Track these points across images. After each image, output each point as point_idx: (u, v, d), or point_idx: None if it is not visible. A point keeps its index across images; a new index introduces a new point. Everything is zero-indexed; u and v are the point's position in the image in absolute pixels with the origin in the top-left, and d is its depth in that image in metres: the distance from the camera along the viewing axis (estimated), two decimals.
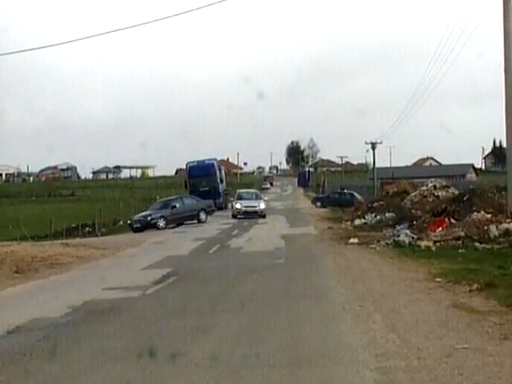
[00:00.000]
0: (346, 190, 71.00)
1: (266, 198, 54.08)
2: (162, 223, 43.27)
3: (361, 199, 66.20)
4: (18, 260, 24.21)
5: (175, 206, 45.03)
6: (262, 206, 49.86)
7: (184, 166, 72.28)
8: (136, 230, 41.61)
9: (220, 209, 64.61)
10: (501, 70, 25.42)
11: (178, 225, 44.06)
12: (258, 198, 52.56)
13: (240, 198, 51.84)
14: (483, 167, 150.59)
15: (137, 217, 44.98)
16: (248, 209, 49.12)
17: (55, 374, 8.79)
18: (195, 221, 45.56)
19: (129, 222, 46.00)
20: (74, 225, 49.79)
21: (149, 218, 43.57)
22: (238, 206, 49.89)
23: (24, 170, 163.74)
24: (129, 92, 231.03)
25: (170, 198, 50.18)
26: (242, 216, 47.89)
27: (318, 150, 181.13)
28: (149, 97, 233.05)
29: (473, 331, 9.94)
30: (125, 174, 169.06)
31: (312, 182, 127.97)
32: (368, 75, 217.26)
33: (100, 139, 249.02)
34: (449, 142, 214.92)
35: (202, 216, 46.36)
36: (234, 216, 49.01)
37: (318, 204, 68.38)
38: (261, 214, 48.49)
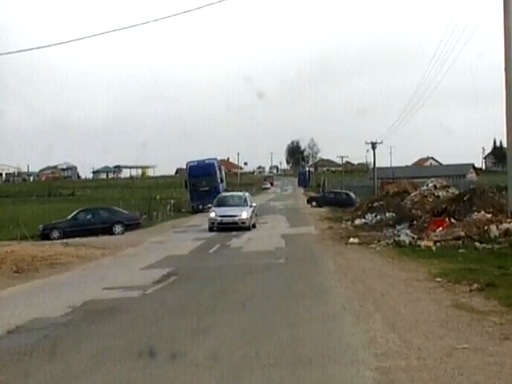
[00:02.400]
0: (341, 190, 71.41)
1: (254, 204, 40.32)
2: (55, 234, 39.92)
3: (356, 198, 66.68)
4: (18, 260, 24.21)
5: (76, 218, 42.10)
6: (245, 215, 37.38)
7: (184, 166, 72.33)
8: (43, 238, 39.14)
9: None
10: (501, 69, 25.42)
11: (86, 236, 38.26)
12: (243, 204, 39.05)
13: (220, 203, 39.55)
14: (483, 167, 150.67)
15: (45, 225, 42.13)
16: (225, 219, 37.13)
17: (55, 373, 8.78)
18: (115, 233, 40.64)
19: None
20: None
21: (41, 228, 41.03)
22: (212, 214, 37.98)
23: (24, 169, 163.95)
24: (129, 92, 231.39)
25: (83, 208, 45.12)
26: (221, 228, 36.70)
27: (318, 149, 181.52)
28: (149, 97, 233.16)
29: (473, 331, 9.94)
30: (125, 173, 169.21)
31: (312, 182, 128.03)
32: (368, 75, 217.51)
33: (100, 139, 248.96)
34: (449, 141, 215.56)
35: (117, 229, 40.72)
36: (211, 229, 37.27)
37: (314, 204, 68.41)
38: (242, 226, 36.76)
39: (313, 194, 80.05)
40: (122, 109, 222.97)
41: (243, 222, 37.04)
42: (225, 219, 37.07)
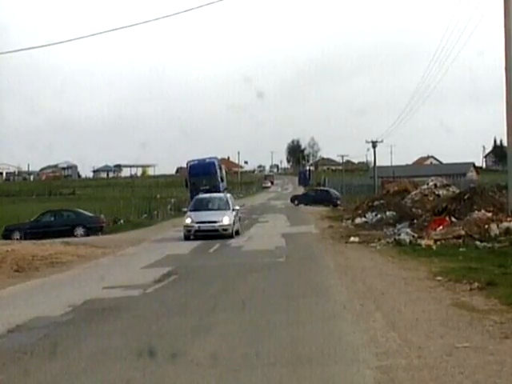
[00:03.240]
0: (322, 188, 72.54)
1: (237, 207, 35.09)
2: (16, 236, 39.59)
3: (337, 195, 67.80)
4: (19, 259, 24.22)
5: (38, 220, 42.03)
6: (227, 220, 31.81)
7: (185, 165, 72.33)
8: (4, 238, 38.96)
9: None
10: (501, 68, 25.42)
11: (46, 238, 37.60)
12: (224, 207, 33.35)
13: (197, 207, 33.63)
14: (484, 166, 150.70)
15: (6, 226, 42.13)
16: (203, 226, 31.47)
17: (55, 372, 8.78)
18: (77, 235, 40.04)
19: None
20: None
21: (3, 229, 40.94)
22: (188, 221, 32.06)
23: (24, 168, 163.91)
24: (129, 91, 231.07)
25: (47, 210, 44.76)
26: (199, 236, 31.19)
27: (318, 148, 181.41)
28: (149, 96, 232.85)
29: (473, 330, 9.93)
30: (125, 172, 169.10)
31: (313, 181, 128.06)
32: (368, 74, 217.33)
33: (100, 138, 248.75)
34: (449, 140, 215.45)
35: (78, 232, 40.36)
36: (187, 237, 31.59)
37: (296, 202, 68.86)
38: (224, 234, 31.34)
39: (296, 193, 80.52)
40: (122, 108, 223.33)
41: (225, 229, 31.61)
42: (203, 226, 31.45)
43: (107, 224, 45.61)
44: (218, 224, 31.64)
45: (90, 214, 44.60)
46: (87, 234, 40.33)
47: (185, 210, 64.98)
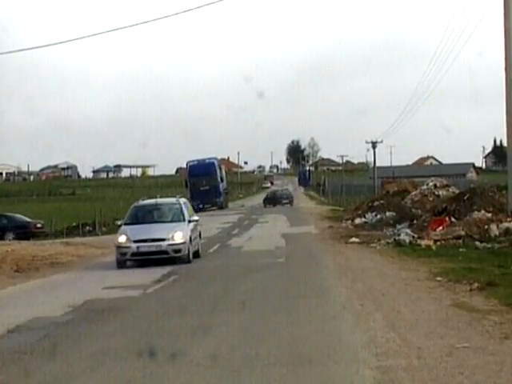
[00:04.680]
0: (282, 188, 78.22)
1: (196, 218, 24.32)
2: None
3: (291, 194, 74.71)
4: (19, 259, 24.24)
5: None
6: (179, 237, 22.00)
7: (184, 165, 72.40)
8: None
9: (220, 208, 64.64)
10: (501, 69, 25.41)
11: None
12: (176, 217, 23.44)
13: (135, 218, 23.60)
14: (484, 166, 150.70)
15: None
16: (144, 246, 21.81)
17: (55, 373, 8.78)
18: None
19: None
20: (74, 224, 49.75)
21: None
22: (121, 239, 22.14)
23: (24, 169, 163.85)
24: (129, 91, 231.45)
25: None
26: (138, 259, 22.06)
27: (318, 149, 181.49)
28: (149, 96, 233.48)
29: (473, 330, 9.93)
30: (125, 173, 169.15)
31: (312, 181, 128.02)
32: (368, 75, 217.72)
33: (100, 138, 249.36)
34: (449, 141, 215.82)
35: (7, 237, 39.40)
36: (121, 263, 21.97)
37: (266, 203, 71.47)
38: (177, 257, 22.02)
39: (264, 195, 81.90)
40: (122, 108, 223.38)
41: (176, 250, 21.89)
42: (144, 246, 21.76)
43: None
44: (166, 243, 21.79)
45: (27, 220, 44.23)
46: (18, 239, 39.13)
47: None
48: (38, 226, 44.21)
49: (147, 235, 21.94)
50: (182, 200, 25.06)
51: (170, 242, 21.86)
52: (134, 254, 21.88)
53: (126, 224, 23.43)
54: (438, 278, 15.36)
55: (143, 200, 25.24)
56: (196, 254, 23.31)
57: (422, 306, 12.16)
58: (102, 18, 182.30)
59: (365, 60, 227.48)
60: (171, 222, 23.13)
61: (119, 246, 22.12)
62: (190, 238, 22.47)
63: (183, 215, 23.29)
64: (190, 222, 23.31)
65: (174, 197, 25.46)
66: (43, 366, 9.21)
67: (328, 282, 16.14)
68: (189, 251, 22.14)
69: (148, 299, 15.09)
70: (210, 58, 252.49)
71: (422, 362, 8.24)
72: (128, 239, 21.93)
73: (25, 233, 41.46)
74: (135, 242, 21.81)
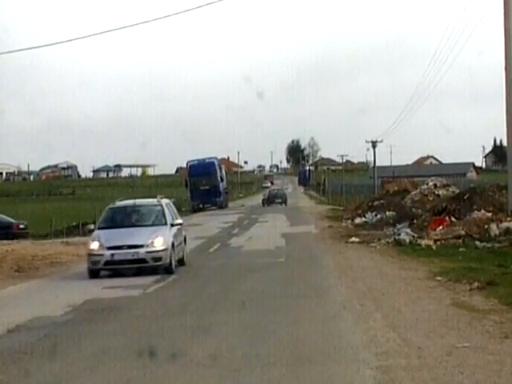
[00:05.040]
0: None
1: (179, 221, 21.85)
2: None
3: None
4: (19, 259, 24.23)
5: None
6: (160, 242, 19.55)
7: (184, 165, 72.40)
8: None
9: (220, 208, 64.62)
10: (501, 68, 25.41)
11: None
12: (157, 220, 20.89)
13: (109, 222, 21.06)
14: (484, 166, 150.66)
15: None
16: (119, 253, 19.25)
17: (55, 372, 8.78)
18: None
19: None
20: (74, 223, 49.68)
21: None
22: (94, 245, 19.74)
23: (24, 168, 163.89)
24: (129, 91, 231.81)
25: None
26: (112, 269, 19.53)
27: (318, 148, 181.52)
28: (149, 96, 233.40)
29: (473, 330, 9.94)
30: (125, 172, 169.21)
31: (312, 181, 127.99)
32: (368, 74, 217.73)
33: (100, 138, 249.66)
34: (449, 140, 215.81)
35: None
36: (94, 273, 19.47)
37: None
38: (157, 265, 19.33)
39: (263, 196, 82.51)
40: (122, 108, 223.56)
41: (156, 258, 19.18)
42: (119, 254, 19.15)
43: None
44: (145, 250, 19.21)
45: (10, 220, 43.62)
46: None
47: (184, 209, 65.50)
48: (21, 226, 43.58)
49: (123, 241, 19.40)
50: (165, 201, 22.22)
51: (150, 249, 19.29)
52: (107, 263, 19.20)
53: (99, 228, 20.95)
54: (438, 278, 15.36)
55: (120, 200, 22.48)
56: (181, 262, 20.86)
57: (422, 306, 12.16)
58: (102, 18, 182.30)
59: (365, 60, 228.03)
60: (151, 225, 20.51)
61: (91, 254, 19.50)
62: (173, 244, 19.80)
63: (165, 218, 20.65)
64: (172, 225, 20.70)
65: (155, 197, 22.34)
66: (43, 365, 9.21)
67: (328, 282, 16.14)
68: (171, 259, 19.43)
69: (148, 299, 15.09)
70: (209, 58, 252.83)
71: (422, 362, 8.24)
72: (101, 246, 19.39)
73: (6, 233, 40.40)
74: (109, 248, 19.20)
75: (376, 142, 77.73)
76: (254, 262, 21.24)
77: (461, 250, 21.11)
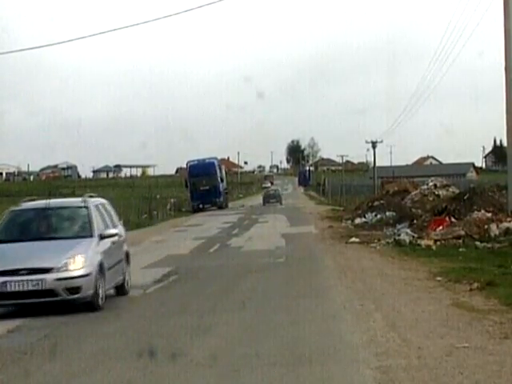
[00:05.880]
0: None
1: (114, 231, 14.75)
2: None
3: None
4: None
5: None
6: (80, 263, 13.09)
7: (184, 165, 72.38)
8: None
9: (220, 208, 64.64)
10: (501, 69, 25.40)
11: None
12: (80, 232, 14.27)
13: (5, 235, 14.10)
14: (484, 166, 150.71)
15: None
16: (15, 280, 12.77)
17: (55, 373, 8.79)
18: None
19: None
20: None
21: None
22: None
23: (24, 168, 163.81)
24: (129, 91, 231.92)
25: None
26: (4, 305, 13.25)
27: (318, 148, 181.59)
28: (149, 96, 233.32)
29: (473, 330, 9.94)
30: (125, 172, 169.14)
31: (312, 181, 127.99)
32: (368, 74, 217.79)
33: (100, 138, 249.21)
34: (449, 140, 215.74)
35: None
36: None
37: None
38: (72, 299, 12.99)
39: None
40: (122, 108, 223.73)
41: (72, 289, 13.00)
42: (14, 282, 12.92)
43: None
44: (54, 276, 12.98)
45: None
46: None
47: (184, 209, 65.58)
48: None
49: (21, 262, 13.13)
50: (95, 201, 15.43)
51: (62, 275, 12.96)
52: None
53: None
54: (438, 278, 15.36)
55: (25, 202, 15.49)
56: (120, 290, 15.26)
57: (422, 306, 12.16)
58: (102, 18, 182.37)
59: (365, 60, 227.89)
60: (69, 238, 14.08)
61: None
62: (101, 266, 13.63)
63: (91, 227, 14.22)
64: (103, 237, 14.26)
65: (82, 196, 15.81)
66: (43, 365, 9.22)
67: (328, 282, 16.14)
68: (97, 289, 13.28)
69: (148, 299, 15.09)
70: (209, 58, 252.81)
71: (421, 362, 8.24)
72: None
73: None
74: (0, 274, 12.97)
75: (376, 142, 77.72)
76: (253, 263, 21.23)
77: (461, 250, 21.10)
